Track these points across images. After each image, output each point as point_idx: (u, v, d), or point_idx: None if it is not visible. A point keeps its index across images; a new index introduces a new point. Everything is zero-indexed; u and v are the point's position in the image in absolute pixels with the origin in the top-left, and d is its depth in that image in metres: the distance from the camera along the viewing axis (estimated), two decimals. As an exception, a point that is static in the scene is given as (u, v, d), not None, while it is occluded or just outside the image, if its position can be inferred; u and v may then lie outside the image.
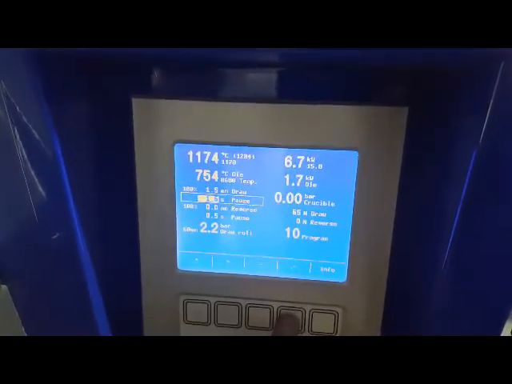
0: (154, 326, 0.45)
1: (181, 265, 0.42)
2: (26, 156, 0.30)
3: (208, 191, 0.40)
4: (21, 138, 0.29)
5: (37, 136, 0.30)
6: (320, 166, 0.38)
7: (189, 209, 0.41)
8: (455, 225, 0.30)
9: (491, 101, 0.25)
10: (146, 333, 0.45)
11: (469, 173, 0.28)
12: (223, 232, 0.41)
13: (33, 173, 0.31)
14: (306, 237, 0.40)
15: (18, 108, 0.29)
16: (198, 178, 0.40)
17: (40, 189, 0.31)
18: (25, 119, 0.29)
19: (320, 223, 0.40)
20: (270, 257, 0.41)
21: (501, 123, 0.26)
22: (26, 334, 0.35)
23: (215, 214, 0.41)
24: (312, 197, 0.39)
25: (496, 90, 0.25)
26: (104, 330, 0.39)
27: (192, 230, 0.41)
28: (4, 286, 0.34)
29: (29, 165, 0.30)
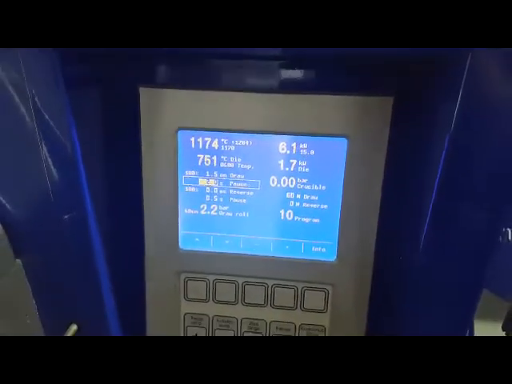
0: (155, 302, 0.47)
1: (182, 244, 0.45)
2: (44, 140, 0.33)
3: (208, 175, 0.43)
4: (39, 124, 0.32)
5: (54, 123, 0.33)
6: (312, 152, 0.41)
7: (190, 192, 0.43)
8: (431, 207, 0.33)
9: (460, 90, 0.28)
10: (149, 309, 0.47)
11: (442, 159, 0.31)
12: (222, 214, 0.44)
13: (50, 156, 0.33)
14: (299, 218, 0.43)
15: (37, 98, 0.32)
16: (200, 163, 0.42)
17: (56, 171, 0.34)
18: (43, 107, 0.32)
19: (312, 205, 0.42)
20: (265, 237, 0.44)
21: (469, 111, 0.29)
22: (36, 306, 0.37)
23: (214, 197, 0.43)
24: (305, 181, 0.41)
25: (464, 81, 0.28)
26: (110, 305, 0.41)
27: (193, 211, 0.44)
28: (18, 260, 0.36)
29: (46, 149, 0.33)
